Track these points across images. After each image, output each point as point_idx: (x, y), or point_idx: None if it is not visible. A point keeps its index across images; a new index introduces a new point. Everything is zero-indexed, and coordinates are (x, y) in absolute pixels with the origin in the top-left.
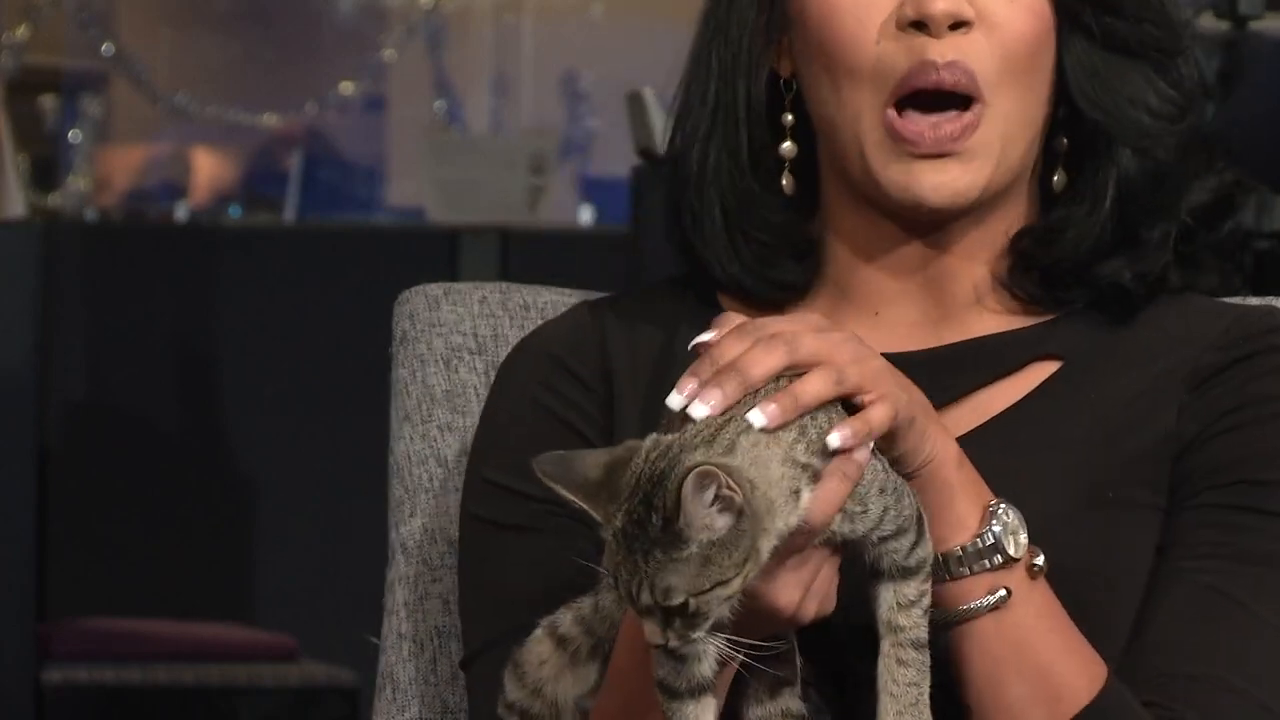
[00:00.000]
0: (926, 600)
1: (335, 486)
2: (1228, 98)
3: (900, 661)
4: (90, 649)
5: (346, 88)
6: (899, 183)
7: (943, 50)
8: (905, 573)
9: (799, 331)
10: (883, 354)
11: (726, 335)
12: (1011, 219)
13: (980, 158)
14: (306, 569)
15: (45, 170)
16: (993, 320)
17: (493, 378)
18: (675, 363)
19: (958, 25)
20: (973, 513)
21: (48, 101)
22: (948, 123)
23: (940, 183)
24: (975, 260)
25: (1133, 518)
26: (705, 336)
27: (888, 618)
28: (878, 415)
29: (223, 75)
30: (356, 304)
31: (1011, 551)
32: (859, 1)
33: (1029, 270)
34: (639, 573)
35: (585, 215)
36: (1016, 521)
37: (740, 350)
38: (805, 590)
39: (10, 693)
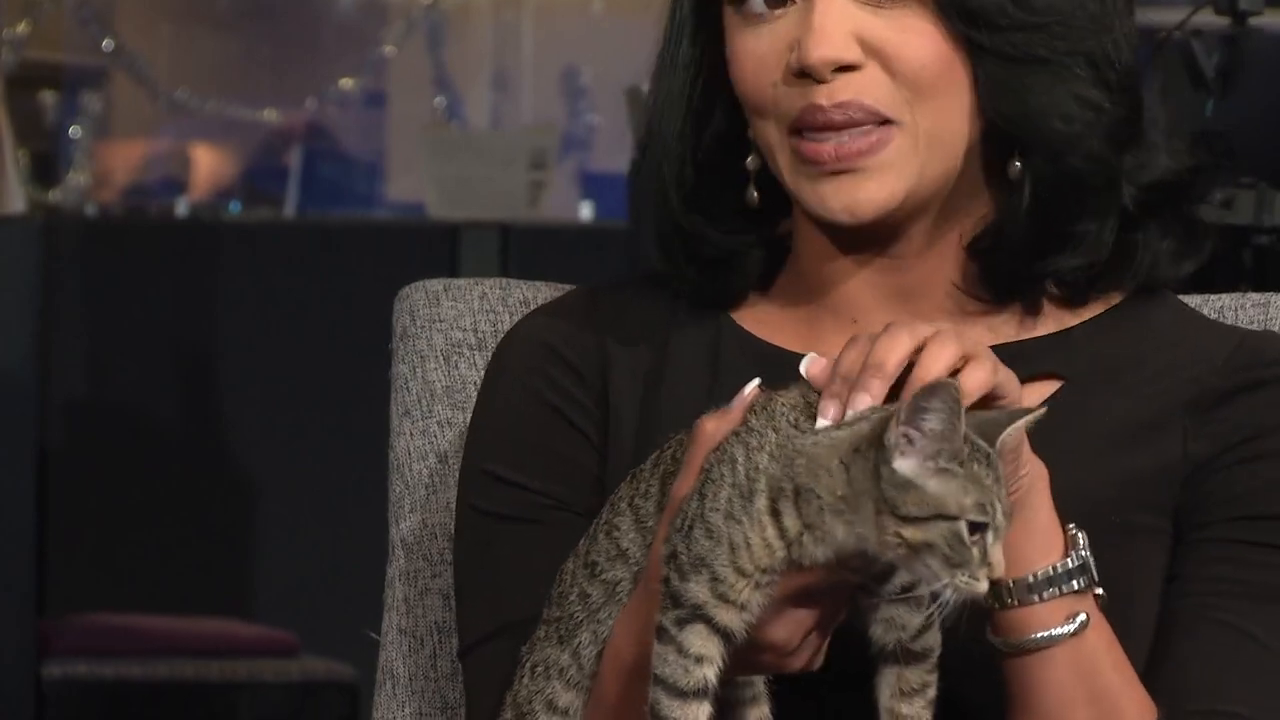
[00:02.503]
0: (931, 691)
1: (335, 482)
2: (1227, 94)
3: None
4: (90, 645)
5: (347, 83)
6: (812, 202)
7: (831, 93)
8: (910, 657)
9: (907, 322)
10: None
11: (844, 352)
12: (966, 223)
13: (895, 170)
14: (307, 564)
15: (45, 166)
16: (980, 333)
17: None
18: (672, 357)
19: (845, 69)
20: (1058, 533)
21: (48, 97)
22: (854, 140)
23: (852, 200)
24: (938, 266)
25: (1136, 542)
26: (806, 364)
27: (889, 705)
28: (976, 379)
29: (223, 71)
30: (356, 299)
31: (1096, 577)
32: (756, 49)
33: (985, 272)
34: (1003, 490)
35: (585, 211)
36: (1087, 544)
37: (861, 354)
38: (804, 635)
39: (11, 689)
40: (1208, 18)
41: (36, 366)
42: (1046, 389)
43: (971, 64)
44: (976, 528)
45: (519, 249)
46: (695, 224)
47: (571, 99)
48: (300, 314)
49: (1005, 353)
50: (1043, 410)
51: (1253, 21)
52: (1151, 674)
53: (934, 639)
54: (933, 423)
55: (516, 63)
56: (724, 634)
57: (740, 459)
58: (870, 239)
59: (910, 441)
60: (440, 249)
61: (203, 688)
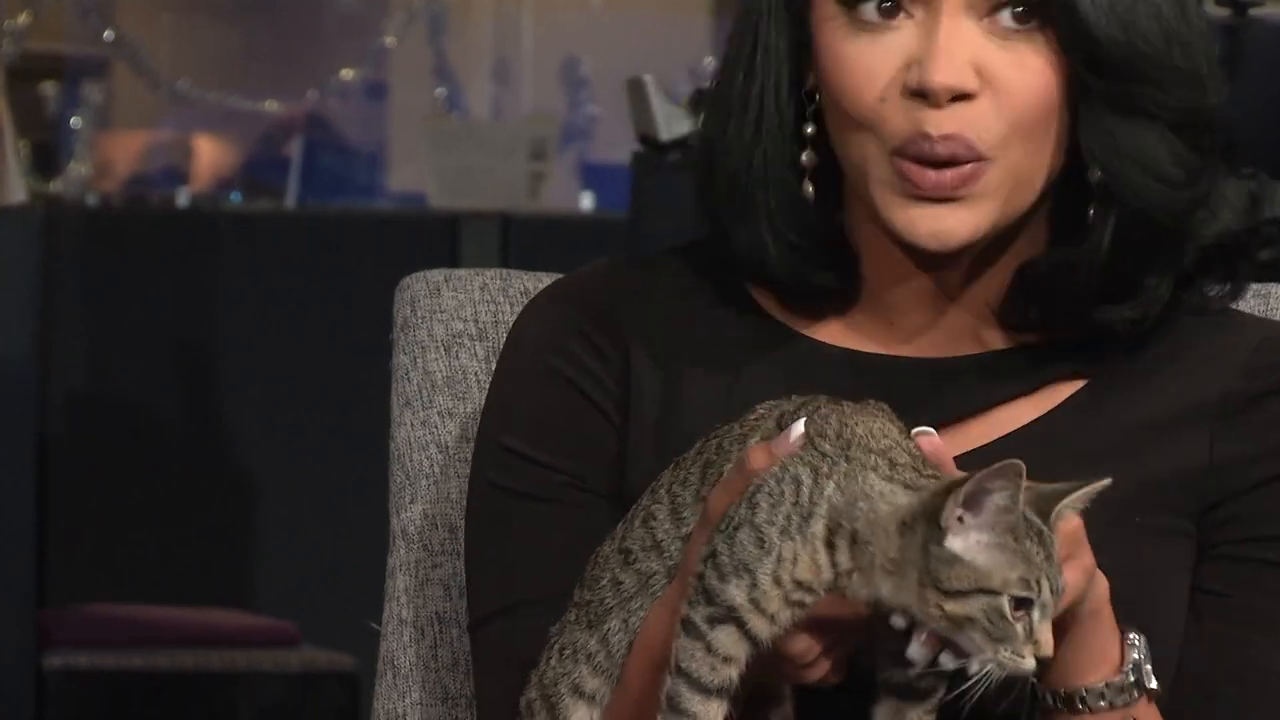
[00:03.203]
0: None
1: (336, 472)
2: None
3: None
4: (91, 635)
5: (347, 74)
6: (901, 223)
7: (940, 122)
8: (911, 693)
9: None
10: (913, 359)
11: None
12: (1022, 247)
13: (982, 203)
14: (307, 555)
15: (46, 156)
16: (1006, 338)
17: (507, 332)
18: (696, 340)
19: (960, 97)
20: (1114, 643)
21: (49, 88)
22: (951, 173)
23: (939, 230)
24: (985, 284)
25: (1161, 544)
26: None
27: None
28: None
29: (224, 61)
30: (357, 290)
31: (1150, 684)
32: (867, 60)
33: (1029, 304)
34: (1054, 566)
35: (586, 201)
36: (1145, 649)
37: None
38: (823, 651)
39: (11, 679)
40: (1208, 9)
41: (37, 357)
42: (1068, 390)
43: (1072, 105)
44: (1021, 603)
45: (520, 239)
46: (795, 207)
47: (572, 90)
48: (300, 304)
49: (1026, 356)
50: (1107, 482)
51: (1253, 12)
52: (1183, 700)
53: (938, 681)
54: (993, 504)
55: (517, 54)
56: (753, 639)
57: (806, 481)
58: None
59: (963, 522)
60: (441, 239)
61: (203, 678)
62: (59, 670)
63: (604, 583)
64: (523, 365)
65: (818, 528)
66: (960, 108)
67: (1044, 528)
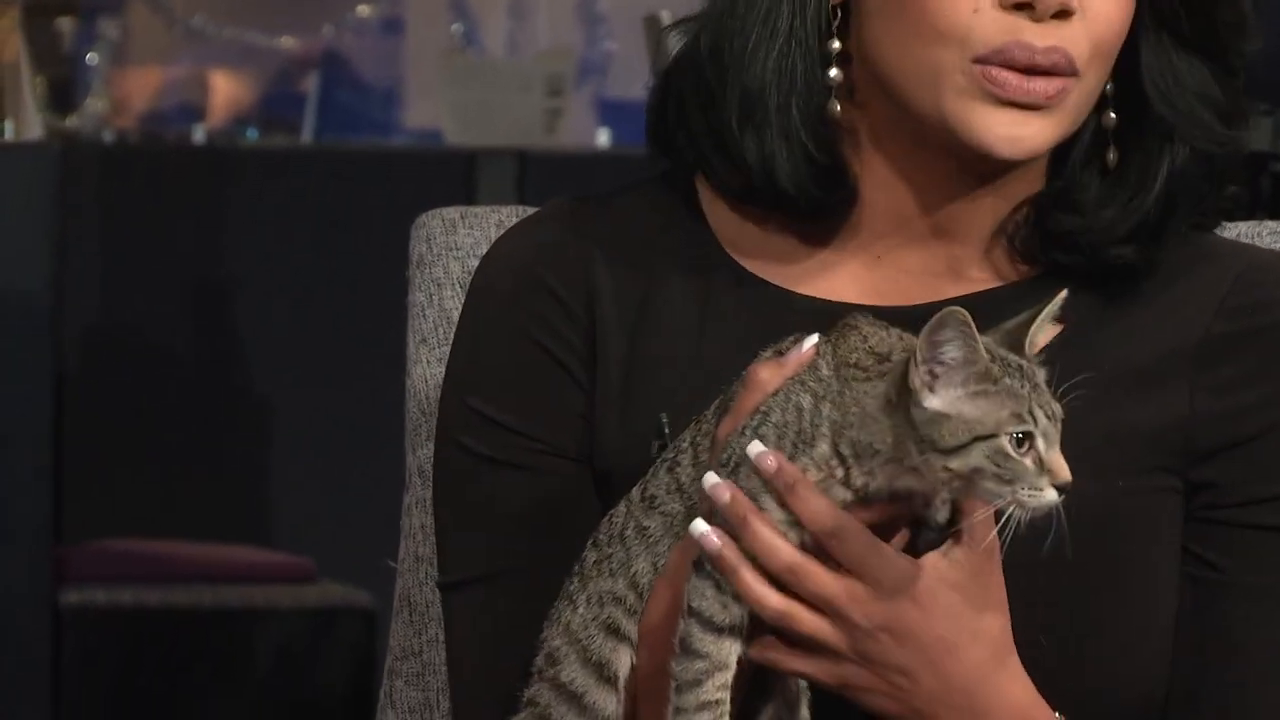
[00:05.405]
0: None
1: (352, 409)
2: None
3: None
4: (108, 571)
5: (364, 10)
6: (979, 126)
7: (1043, 35)
8: None
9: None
10: (885, 308)
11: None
12: (1030, 180)
13: (1060, 118)
14: (324, 491)
15: (62, 93)
16: (989, 278)
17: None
18: (662, 293)
19: (1060, 14)
20: None
21: (65, 24)
22: (1045, 82)
23: (1018, 135)
24: (987, 214)
25: (1145, 500)
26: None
27: None
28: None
29: None
30: (373, 226)
31: None
32: None
33: (1037, 232)
34: (1043, 393)
35: (603, 138)
36: None
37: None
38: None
39: (28, 615)
40: None
41: (54, 293)
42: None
43: (1133, 34)
44: (1023, 439)
45: (536, 176)
46: (812, 114)
47: (589, 25)
48: (316, 241)
49: (995, 298)
50: (1064, 294)
51: None
52: (1188, 688)
53: None
54: (951, 352)
55: None
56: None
57: (806, 407)
58: (944, 174)
59: (935, 377)
60: (457, 175)
61: (220, 613)
62: (76, 606)
63: (628, 532)
64: (487, 322)
65: (822, 448)
66: (1057, 25)
67: (1022, 361)
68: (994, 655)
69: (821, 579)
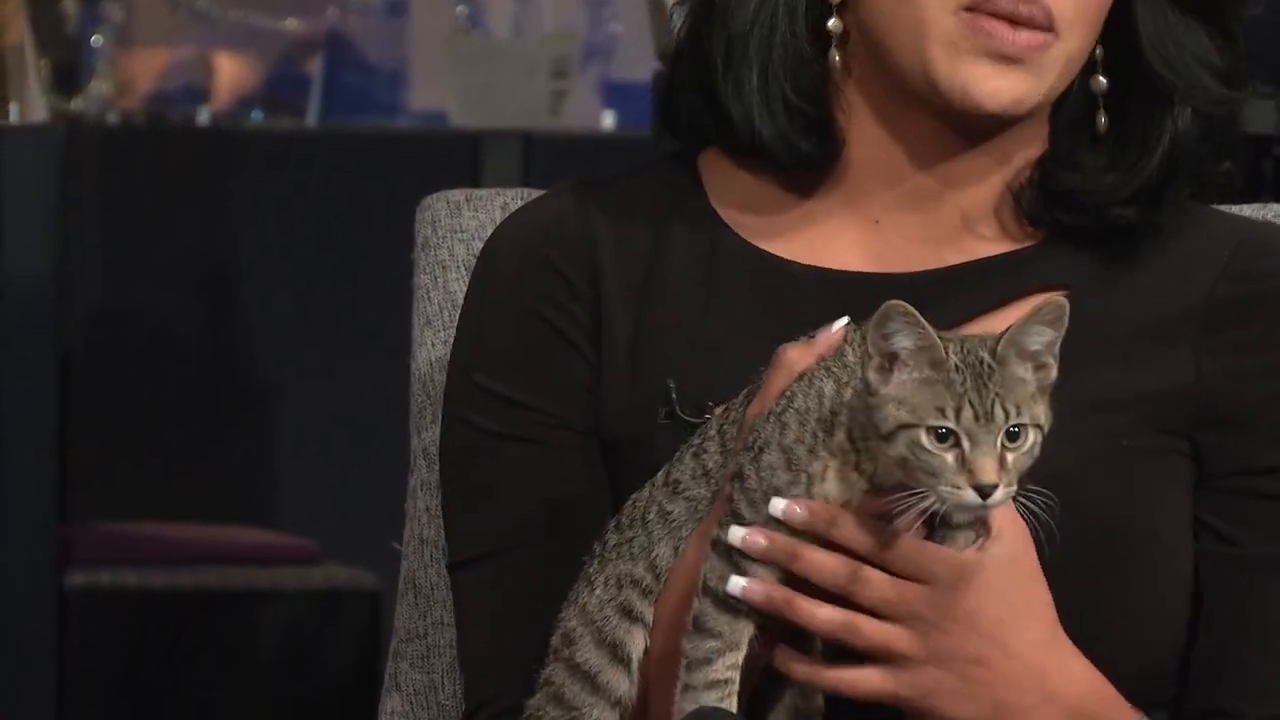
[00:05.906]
0: None
1: (357, 391)
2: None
3: None
4: (113, 553)
5: None
6: (963, 77)
7: None
8: None
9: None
10: (884, 275)
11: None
12: (1028, 144)
13: (1041, 75)
14: (329, 474)
15: (67, 74)
16: (990, 244)
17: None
18: (666, 266)
19: None
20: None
21: (69, 5)
22: (1028, 34)
23: (1001, 88)
24: (985, 176)
25: (1154, 466)
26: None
27: None
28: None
29: None
30: (378, 208)
31: None
32: None
33: (1041, 194)
34: (989, 393)
35: (607, 120)
36: None
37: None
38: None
39: (33, 596)
40: None
41: (58, 275)
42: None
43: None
44: (945, 435)
45: (541, 158)
46: (798, 68)
47: (593, 7)
48: (321, 223)
49: (998, 265)
50: (1058, 298)
51: None
52: (1204, 661)
53: None
54: (902, 341)
55: None
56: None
57: (829, 393)
58: (938, 134)
59: (888, 370)
60: (462, 157)
61: (225, 596)
62: (80, 588)
63: (650, 516)
64: (494, 302)
65: (840, 437)
66: None
67: (985, 357)
68: (1051, 632)
69: (883, 583)
